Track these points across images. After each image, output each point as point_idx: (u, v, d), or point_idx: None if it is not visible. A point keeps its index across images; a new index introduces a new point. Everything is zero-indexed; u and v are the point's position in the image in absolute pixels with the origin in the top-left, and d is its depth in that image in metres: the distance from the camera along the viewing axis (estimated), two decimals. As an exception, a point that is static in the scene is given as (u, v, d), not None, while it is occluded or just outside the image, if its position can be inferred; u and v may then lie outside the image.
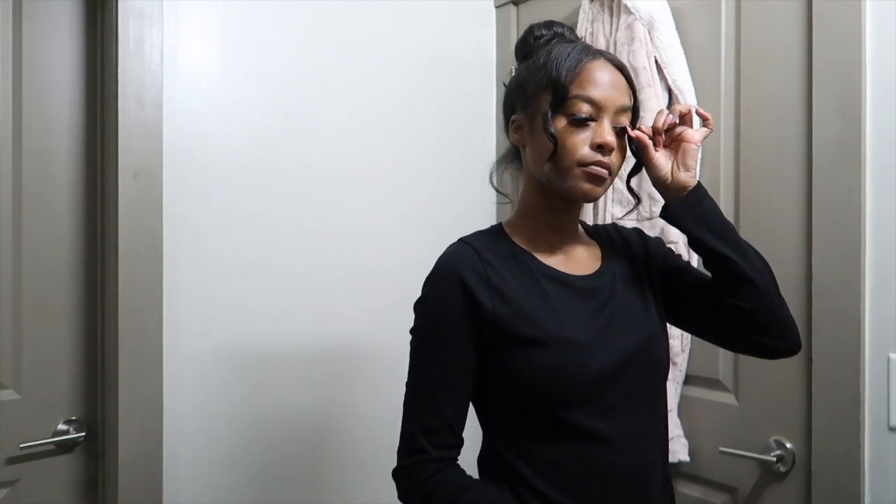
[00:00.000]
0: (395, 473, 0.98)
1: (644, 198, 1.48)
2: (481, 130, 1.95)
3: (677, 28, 1.50)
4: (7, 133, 1.37)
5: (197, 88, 1.49)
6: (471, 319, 0.94)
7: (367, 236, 1.72)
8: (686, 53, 1.49)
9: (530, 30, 1.05)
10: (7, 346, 1.37)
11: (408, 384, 0.99)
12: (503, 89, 1.10)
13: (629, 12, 1.52)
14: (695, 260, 1.46)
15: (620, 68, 0.98)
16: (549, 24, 1.05)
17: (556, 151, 0.93)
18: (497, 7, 1.97)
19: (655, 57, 1.48)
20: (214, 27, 1.51)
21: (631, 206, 1.51)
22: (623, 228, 1.14)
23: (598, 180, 0.95)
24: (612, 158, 0.95)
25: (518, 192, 1.12)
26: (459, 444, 0.97)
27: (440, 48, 1.87)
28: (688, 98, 1.47)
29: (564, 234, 1.04)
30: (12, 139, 1.37)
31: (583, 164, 0.93)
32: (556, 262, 1.01)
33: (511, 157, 1.10)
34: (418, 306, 1.00)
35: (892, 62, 1.21)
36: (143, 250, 1.41)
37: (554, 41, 1.02)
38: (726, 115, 1.46)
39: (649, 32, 1.49)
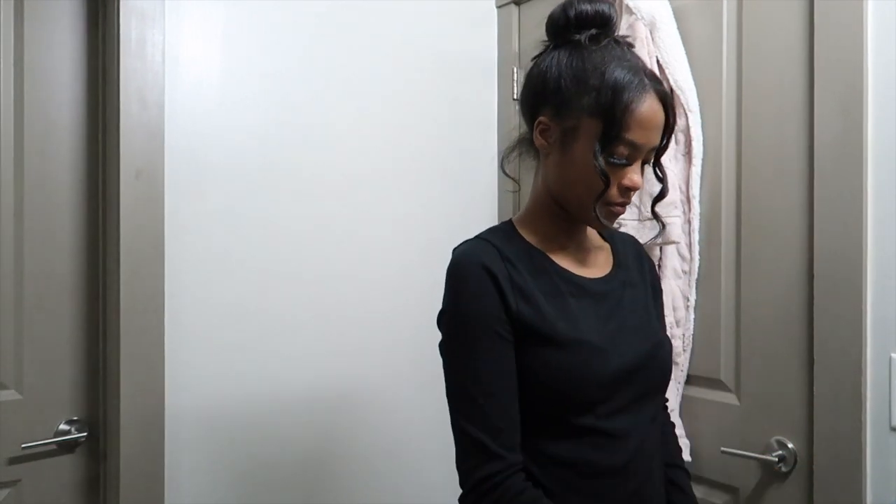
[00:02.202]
0: (474, 490, 0.90)
1: (645, 198, 1.48)
2: (483, 130, 1.95)
3: (679, 28, 1.50)
4: (9, 133, 1.37)
5: (198, 88, 1.49)
6: (508, 322, 0.92)
7: (368, 236, 1.72)
8: (687, 53, 1.49)
9: (570, 4, 0.94)
10: (9, 346, 1.37)
11: (456, 394, 0.94)
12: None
13: (631, 12, 1.52)
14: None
15: (665, 103, 0.93)
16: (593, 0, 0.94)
17: (607, 190, 0.91)
18: (499, 7, 1.97)
19: (657, 57, 1.48)
20: (216, 27, 1.51)
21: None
22: (643, 248, 1.16)
23: (616, 217, 0.96)
24: (633, 195, 0.96)
25: (521, 174, 1.11)
26: (520, 441, 0.93)
27: (441, 48, 1.87)
28: (689, 97, 1.47)
29: (575, 237, 1.04)
30: (14, 139, 1.37)
31: (609, 203, 0.94)
32: (567, 263, 1.01)
33: (526, 146, 1.04)
34: (447, 312, 0.96)
35: (893, 62, 1.21)
36: (144, 250, 1.41)
37: (605, 43, 0.93)
38: (728, 115, 1.46)
39: (651, 32, 1.49)
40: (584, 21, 0.94)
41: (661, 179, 1.01)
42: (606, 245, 1.10)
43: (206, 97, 1.50)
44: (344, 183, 1.69)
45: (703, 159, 1.48)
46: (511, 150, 1.07)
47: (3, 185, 1.36)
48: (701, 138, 1.47)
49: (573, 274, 0.99)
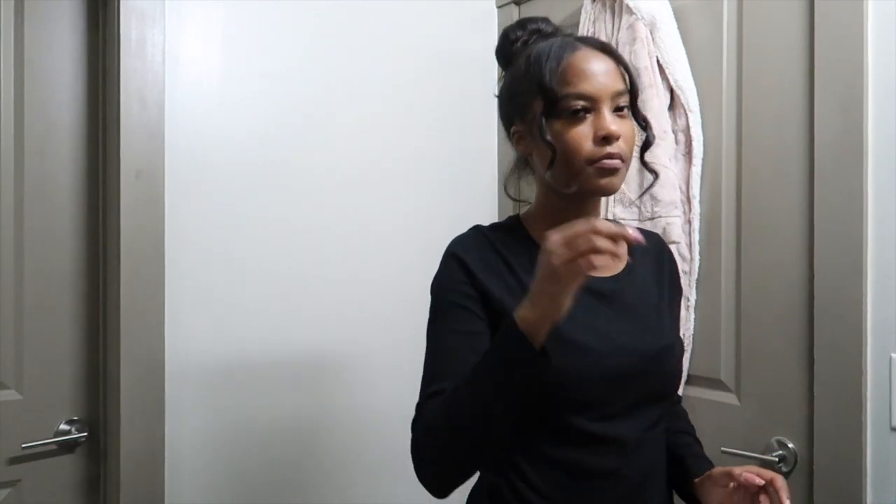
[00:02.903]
0: (411, 445, 0.95)
1: (646, 198, 1.48)
2: (483, 130, 1.95)
3: (679, 28, 1.50)
4: (9, 133, 1.37)
5: (199, 88, 1.49)
6: (477, 298, 0.94)
7: (368, 236, 1.72)
8: (688, 53, 1.49)
9: (505, 34, 1.03)
10: (9, 345, 1.37)
11: (423, 367, 0.98)
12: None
13: (631, 12, 1.52)
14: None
15: (606, 50, 0.94)
16: (522, 24, 1.02)
17: (556, 157, 0.91)
18: (499, 7, 1.97)
19: (657, 57, 1.48)
20: (216, 28, 1.51)
21: (634, 208, 1.51)
22: (666, 247, 1.14)
23: (612, 172, 0.91)
24: (622, 145, 0.91)
25: (520, 193, 1.12)
26: None
27: (442, 48, 1.87)
28: (689, 97, 1.47)
29: None
30: (14, 139, 1.38)
31: (592, 160, 0.90)
32: None
33: (522, 165, 1.07)
34: (432, 289, 1.01)
35: (893, 62, 1.21)
36: (144, 250, 1.41)
37: (532, 41, 1.00)
38: (728, 116, 1.46)
39: (651, 32, 1.49)
40: (517, 42, 1.02)
41: (644, 128, 0.99)
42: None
43: (206, 97, 1.50)
44: (344, 183, 1.69)
45: (703, 159, 1.48)
46: (510, 175, 1.10)
47: (3, 185, 1.36)
48: (701, 138, 1.47)
49: None
